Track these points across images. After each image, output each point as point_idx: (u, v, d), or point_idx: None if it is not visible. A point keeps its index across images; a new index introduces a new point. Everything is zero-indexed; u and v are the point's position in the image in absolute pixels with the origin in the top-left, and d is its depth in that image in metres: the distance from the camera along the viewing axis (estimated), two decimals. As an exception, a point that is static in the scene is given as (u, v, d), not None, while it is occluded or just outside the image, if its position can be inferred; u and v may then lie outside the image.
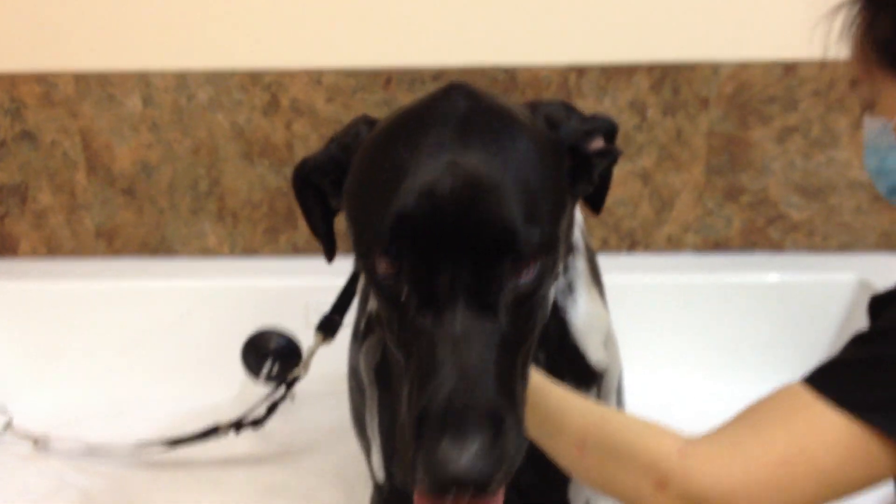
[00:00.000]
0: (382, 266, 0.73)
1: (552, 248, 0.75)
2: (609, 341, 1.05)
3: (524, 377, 0.76)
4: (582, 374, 1.01)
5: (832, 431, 0.79)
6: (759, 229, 1.81)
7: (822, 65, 1.66)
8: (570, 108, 0.85)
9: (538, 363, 0.96)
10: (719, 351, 1.80)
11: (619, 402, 1.17)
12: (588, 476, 0.91)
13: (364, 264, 0.76)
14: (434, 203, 0.70)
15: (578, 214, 1.05)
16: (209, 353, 1.79)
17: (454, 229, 0.70)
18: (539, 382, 0.91)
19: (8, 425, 1.61)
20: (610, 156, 0.85)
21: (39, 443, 1.57)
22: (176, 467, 1.54)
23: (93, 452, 1.54)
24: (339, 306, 1.21)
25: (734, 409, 1.84)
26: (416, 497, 0.73)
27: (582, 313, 1.00)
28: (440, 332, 0.70)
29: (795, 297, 1.75)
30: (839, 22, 0.93)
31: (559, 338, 0.99)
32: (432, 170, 0.71)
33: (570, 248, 0.94)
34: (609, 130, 0.86)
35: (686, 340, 1.79)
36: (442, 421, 0.67)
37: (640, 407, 1.64)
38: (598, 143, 0.84)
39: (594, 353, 1.01)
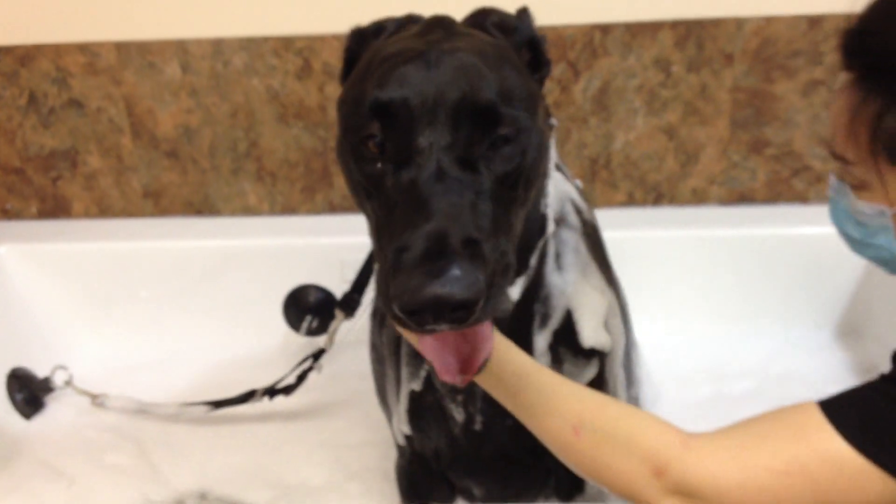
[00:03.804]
0: (368, 147, 0.80)
1: (530, 118, 0.82)
2: (613, 321, 1.07)
3: (512, 227, 0.81)
4: (577, 345, 1.03)
5: (837, 458, 0.80)
6: (783, 181, 1.83)
7: (848, 18, 1.66)
8: (506, 15, 0.95)
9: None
10: (744, 303, 1.83)
11: (630, 377, 1.20)
12: (581, 460, 0.90)
13: (352, 153, 0.82)
14: (414, 82, 0.78)
15: (574, 191, 1.08)
16: (252, 307, 1.88)
17: (433, 102, 0.77)
18: (527, 364, 0.92)
19: (69, 382, 1.72)
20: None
21: (97, 400, 1.67)
22: (217, 421, 1.63)
23: (143, 410, 1.64)
24: (358, 285, 1.27)
25: (756, 361, 1.87)
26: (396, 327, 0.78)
27: (571, 289, 1.02)
28: (421, 184, 0.75)
29: (820, 249, 1.76)
30: None
31: None
32: (415, 59, 0.80)
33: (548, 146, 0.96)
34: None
35: (711, 293, 1.82)
36: (421, 251, 0.70)
37: (663, 360, 1.70)
38: None
39: (591, 334, 1.02)
